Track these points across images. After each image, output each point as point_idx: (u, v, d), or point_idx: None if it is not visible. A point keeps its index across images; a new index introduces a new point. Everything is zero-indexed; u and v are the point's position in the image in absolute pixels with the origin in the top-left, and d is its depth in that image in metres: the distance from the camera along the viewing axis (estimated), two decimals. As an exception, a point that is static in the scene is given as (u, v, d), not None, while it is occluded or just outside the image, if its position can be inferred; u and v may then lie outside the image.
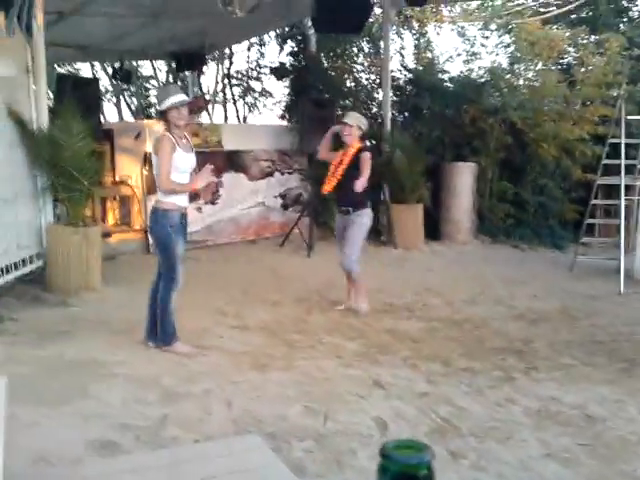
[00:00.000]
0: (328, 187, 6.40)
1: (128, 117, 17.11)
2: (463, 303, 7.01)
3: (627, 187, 8.29)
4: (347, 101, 11.71)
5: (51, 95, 8.92)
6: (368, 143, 6.20)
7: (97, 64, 16.07)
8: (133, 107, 17.70)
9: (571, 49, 12.39)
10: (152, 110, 16.95)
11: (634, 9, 14.50)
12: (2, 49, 6.47)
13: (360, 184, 6.00)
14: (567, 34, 12.23)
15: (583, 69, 11.24)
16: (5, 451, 1.73)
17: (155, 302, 5.14)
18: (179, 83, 15.75)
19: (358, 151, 6.25)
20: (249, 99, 16.78)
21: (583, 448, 3.65)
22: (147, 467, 2.56)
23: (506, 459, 3.49)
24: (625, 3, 14.30)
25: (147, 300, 5.20)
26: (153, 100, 17.83)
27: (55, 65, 13.01)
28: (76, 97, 8.03)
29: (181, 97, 5.05)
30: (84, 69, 16.30)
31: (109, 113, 16.75)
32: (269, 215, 10.61)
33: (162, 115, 5.02)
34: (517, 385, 4.61)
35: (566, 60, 12.44)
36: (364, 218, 6.34)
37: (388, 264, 8.97)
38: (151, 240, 5.26)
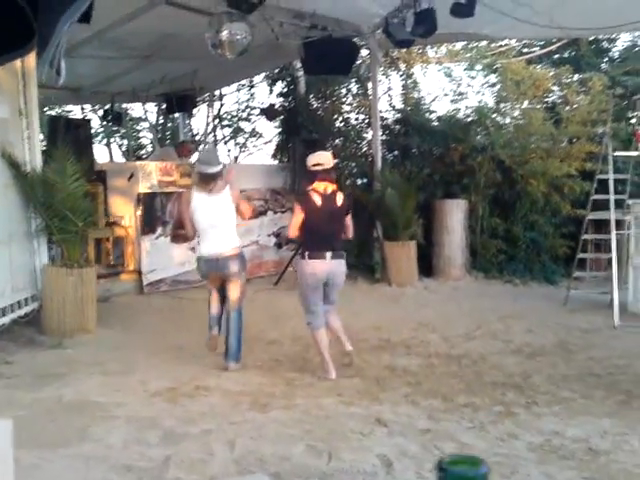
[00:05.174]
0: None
1: (119, 158, 17.15)
2: (460, 338, 7.02)
3: (617, 222, 8.36)
4: (337, 141, 11.81)
5: (41, 137, 8.96)
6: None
7: (87, 106, 16.14)
8: (124, 148, 17.76)
9: (555, 88, 12.57)
10: (143, 152, 17.04)
11: (614, 49, 14.92)
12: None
13: None
14: (551, 73, 12.43)
15: (568, 107, 11.43)
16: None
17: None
18: (169, 124, 15.86)
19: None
20: (240, 139, 16.88)
21: (588, 482, 3.65)
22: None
23: (512, 494, 3.47)
24: (606, 44, 14.64)
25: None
26: (144, 141, 17.96)
27: (46, 107, 13.01)
28: (68, 139, 8.12)
29: None
30: (74, 111, 16.38)
31: (100, 154, 16.79)
32: (263, 254, 10.60)
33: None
34: (518, 420, 4.61)
35: (551, 99, 12.64)
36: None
37: (383, 301, 8.98)
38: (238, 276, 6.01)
